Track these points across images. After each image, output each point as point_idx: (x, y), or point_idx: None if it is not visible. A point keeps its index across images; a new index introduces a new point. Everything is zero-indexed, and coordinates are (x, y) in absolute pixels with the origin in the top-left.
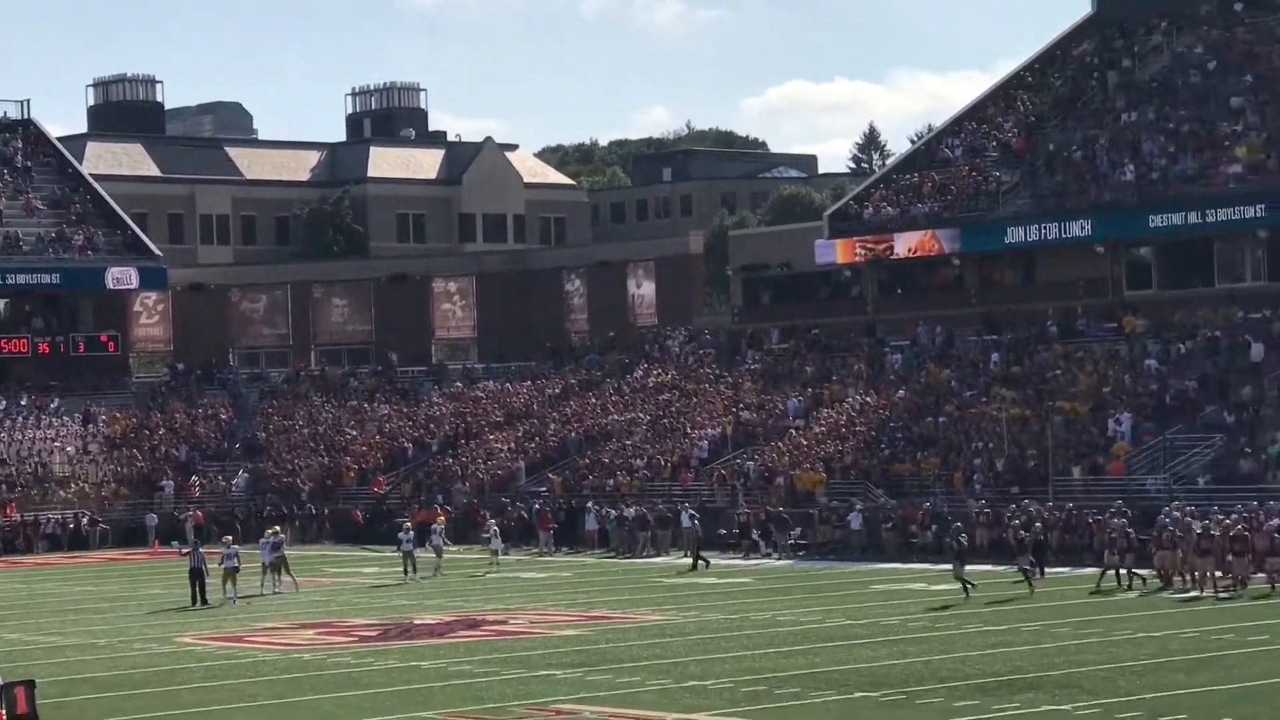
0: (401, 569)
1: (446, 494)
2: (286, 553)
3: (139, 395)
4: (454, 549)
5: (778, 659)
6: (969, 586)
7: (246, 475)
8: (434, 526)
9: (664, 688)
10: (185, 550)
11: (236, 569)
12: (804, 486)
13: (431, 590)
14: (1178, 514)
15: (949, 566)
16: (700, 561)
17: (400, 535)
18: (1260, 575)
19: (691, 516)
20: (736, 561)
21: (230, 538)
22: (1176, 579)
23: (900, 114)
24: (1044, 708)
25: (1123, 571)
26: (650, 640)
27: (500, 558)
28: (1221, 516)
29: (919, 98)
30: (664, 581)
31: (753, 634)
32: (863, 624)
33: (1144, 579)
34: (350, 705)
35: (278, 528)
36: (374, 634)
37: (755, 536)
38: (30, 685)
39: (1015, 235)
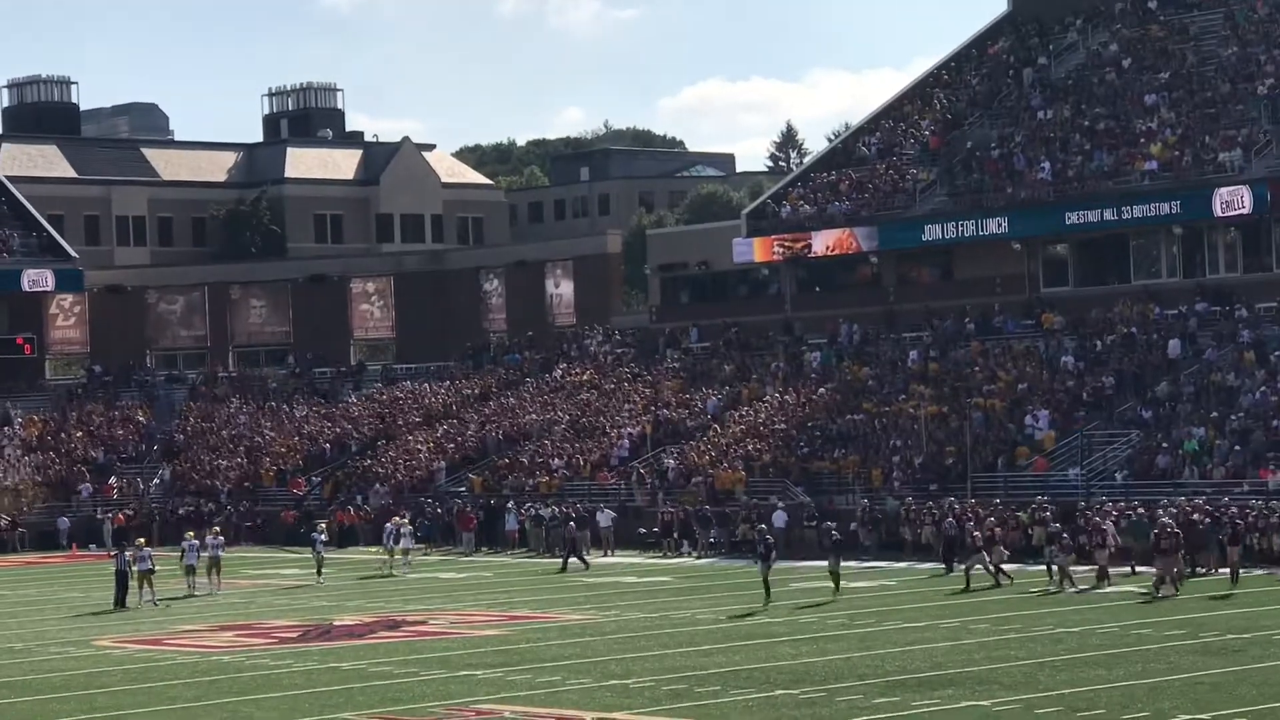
0: (315, 570)
1: (365, 495)
2: (221, 555)
3: (56, 397)
4: (372, 550)
5: (698, 657)
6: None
7: (165, 477)
8: (403, 529)
9: (585, 687)
10: (113, 552)
11: (152, 570)
12: (724, 485)
13: (350, 591)
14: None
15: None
16: (579, 562)
17: (314, 535)
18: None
19: (610, 516)
20: (657, 560)
21: (143, 540)
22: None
23: (817, 113)
24: (964, 703)
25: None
26: (571, 639)
27: (409, 558)
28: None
29: (835, 97)
30: (584, 581)
31: (673, 632)
32: (782, 622)
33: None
34: (269, 707)
35: (217, 528)
36: (293, 635)
37: (675, 535)
38: None
39: (933, 233)
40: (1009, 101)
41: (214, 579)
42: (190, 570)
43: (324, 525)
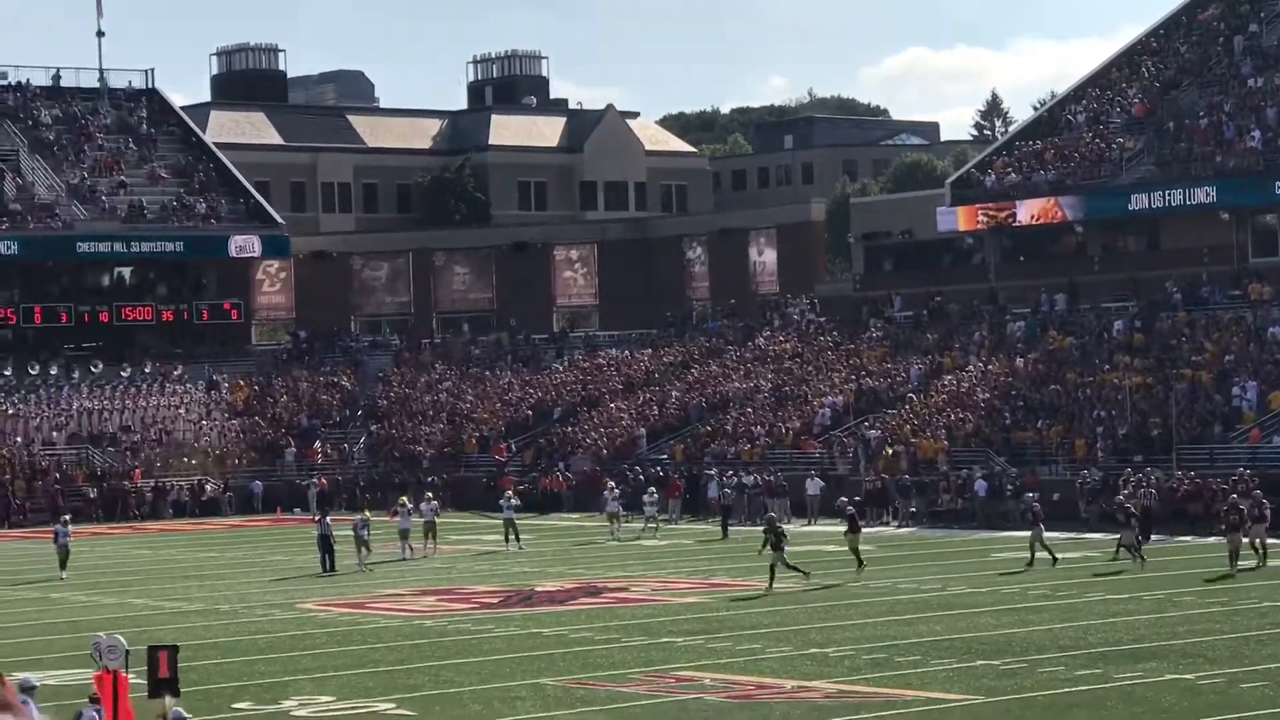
0: (502, 536)
1: (567, 462)
2: (436, 519)
3: (261, 363)
4: (574, 517)
5: (899, 627)
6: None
7: (368, 442)
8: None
9: (784, 655)
10: (316, 517)
11: (433, 523)
12: (925, 455)
13: (553, 558)
14: None
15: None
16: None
17: (501, 502)
18: None
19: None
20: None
21: (404, 499)
22: None
23: (1022, 81)
24: (1167, 676)
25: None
26: (772, 607)
27: (622, 525)
28: None
29: (1041, 65)
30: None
31: (874, 602)
32: (984, 592)
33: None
34: (470, 671)
35: (430, 494)
36: (495, 601)
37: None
38: (174, 650)
39: (1139, 202)
40: (1219, 69)
41: (429, 544)
42: (404, 534)
43: (510, 492)
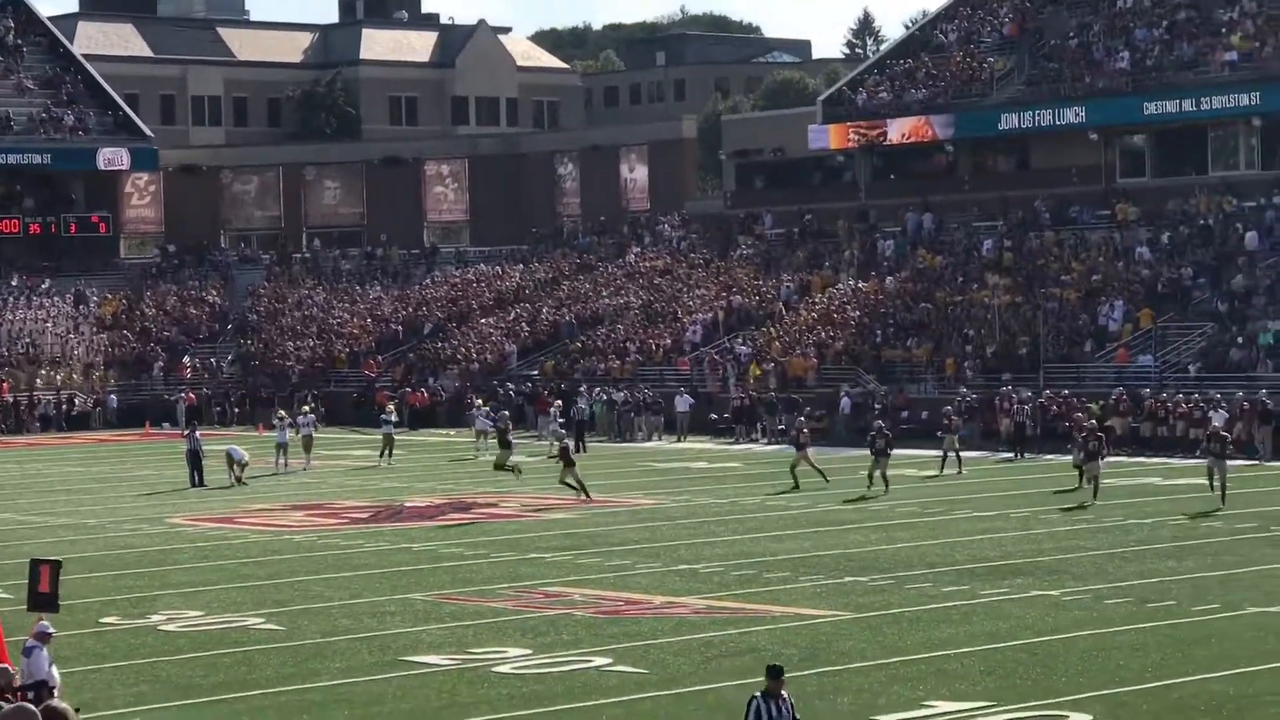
0: (379, 451)
1: (437, 377)
2: (313, 433)
3: (130, 276)
4: (450, 432)
5: (768, 543)
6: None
7: (236, 356)
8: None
9: (654, 571)
10: (185, 431)
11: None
12: (795, 373)
13: (421, 473)
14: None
15: (937, 452)
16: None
17: (382, 417)
18: None
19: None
20: (728, 447)
21: (308, 408)
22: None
23: None
24: (1032, 593)
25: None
26: (641, 524)
27: (487, 441)
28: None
29: None
30: (655, 466)
31: (743, 519)
32: (852, 509)
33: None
34: (340, 586)
35: (308, 407)
36: (364, 516)
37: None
38: (56, 565)
39: (1009, 122)
40: None
41: (306, 458)
42: (280, 448)
43: (392, 407)
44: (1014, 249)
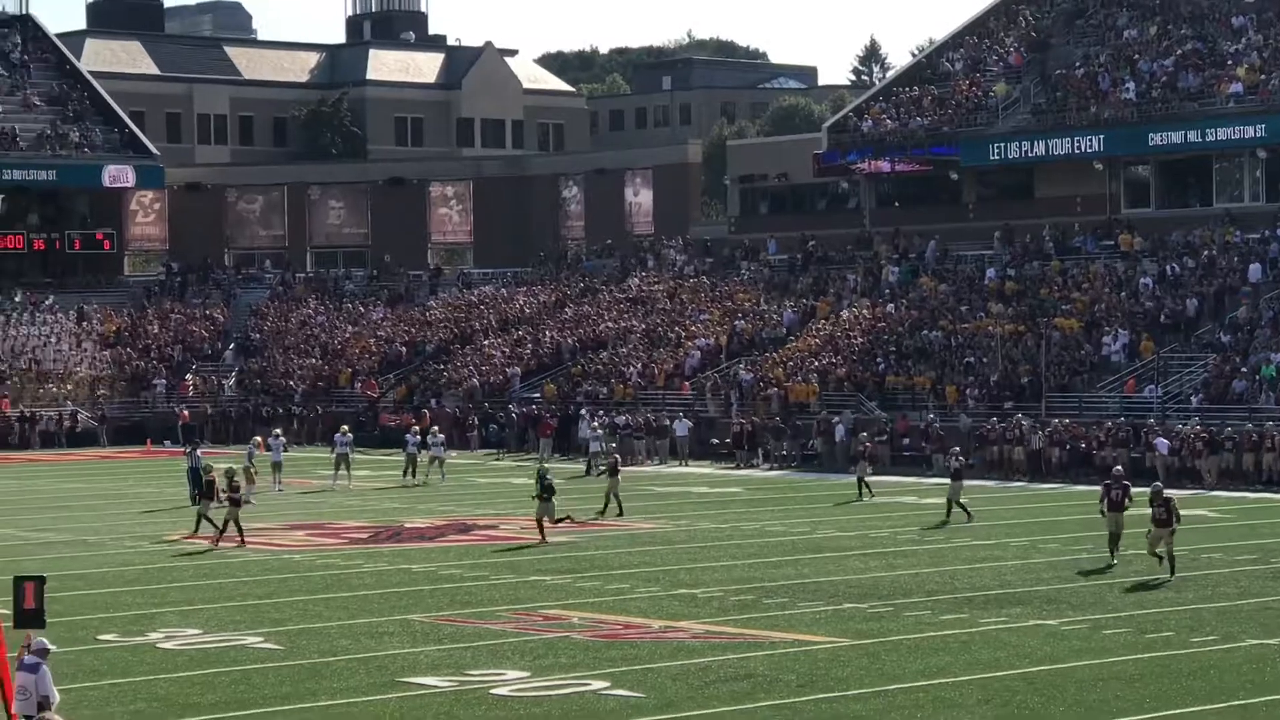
0: (402, 471)
1: (439, 398)
2: (281, 458)
3: (133, 294)
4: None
5: (767, 569)
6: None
7: (238, 376)
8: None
9: (653, 595)
10: (186, 449)
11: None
12: (797, 398)
13: (422, 494)
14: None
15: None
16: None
17: (407, 437)
18: None
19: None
20: (729, 472)
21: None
22: None
23: (901, 27)
24: (1030, 622)
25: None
26: (641, 548)
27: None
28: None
29: (920, 12)
30: (656, 490)
31: (742, 544)
32: (852, 536)
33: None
34: (339, 606)
35: (279, 430)
36: (364, 537)
37: (747, 447)
38: (40, 581)
39: (1014, 151)
40: (1095, 20)
41: (275, 478)
42: (276, 468)
43: (417, 428)
44: (1017, 277)
